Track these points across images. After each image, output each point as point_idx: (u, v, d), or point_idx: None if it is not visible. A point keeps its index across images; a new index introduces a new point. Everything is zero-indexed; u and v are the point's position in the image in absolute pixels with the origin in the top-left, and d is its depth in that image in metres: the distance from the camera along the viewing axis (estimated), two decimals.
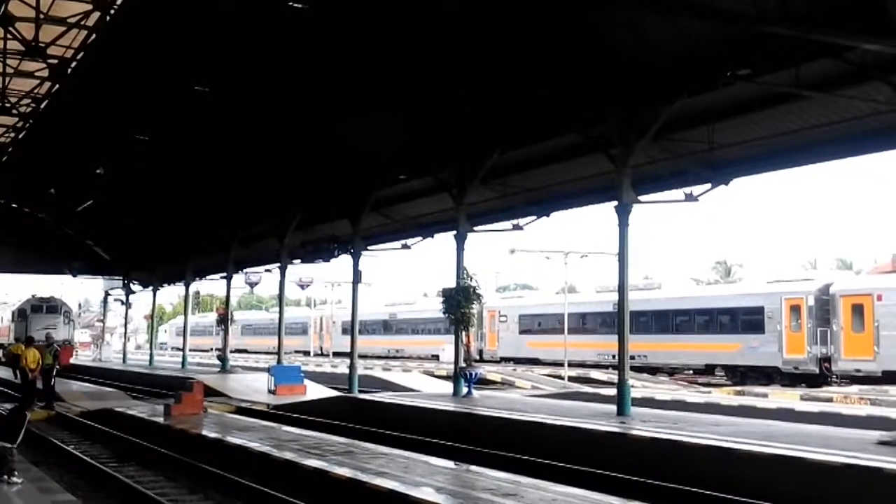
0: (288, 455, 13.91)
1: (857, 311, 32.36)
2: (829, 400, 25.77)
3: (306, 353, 64.47)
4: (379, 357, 54.23)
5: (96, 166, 30.78)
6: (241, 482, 12.82)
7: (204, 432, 17.31)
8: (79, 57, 20.87)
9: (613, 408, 19.18)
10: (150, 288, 51.81)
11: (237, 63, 20.34)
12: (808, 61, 14.63)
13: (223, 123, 24.69)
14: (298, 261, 34.41)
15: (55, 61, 20.77)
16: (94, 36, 19.76)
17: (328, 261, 31.83)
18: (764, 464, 12.87)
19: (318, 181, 28.44)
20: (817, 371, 33.52)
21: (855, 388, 29.39)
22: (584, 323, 43.34)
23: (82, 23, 19.03)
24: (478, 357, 43.76)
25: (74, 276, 51.11)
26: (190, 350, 47.86)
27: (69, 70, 21.39)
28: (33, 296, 52.22)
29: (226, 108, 23.28)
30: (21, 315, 50.79)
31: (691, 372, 39.91)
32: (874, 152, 17.69)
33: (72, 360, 44.38)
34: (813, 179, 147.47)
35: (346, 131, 24.14)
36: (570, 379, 36.21)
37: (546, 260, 44.10)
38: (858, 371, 32.23)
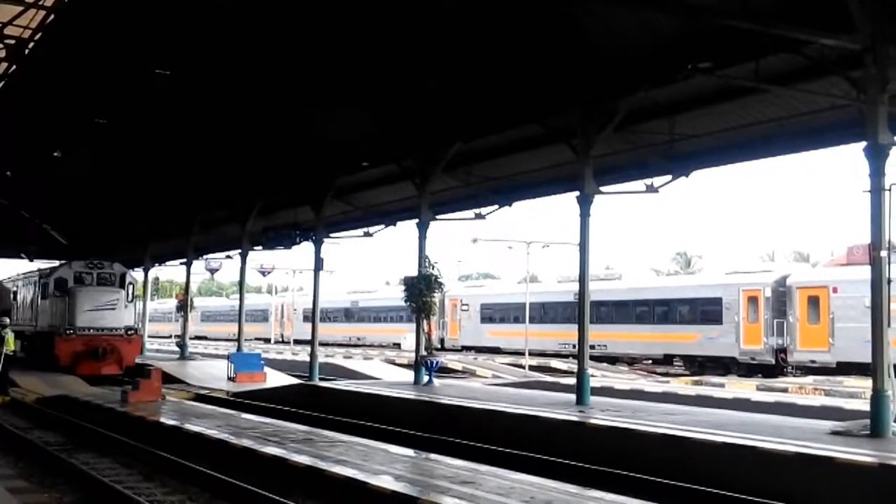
0: (246, 442, 13.83)
1: (813, 303, 32.84)
2: (785, 390, 26.14)
3: (267, 341, 64.10)
4: (340, 345, 54.11)
5: (54, 149, 30.30)
6: (198, 469, 12.73)
7: (161, 419, 17.16)
8: (36, 38, 20.50)
9: (573, 397, 19.32)
10: None
11: (199, 46, 20.11)
12: (767, 55, 14.79)
13: (184, 107, 24.42)
14: (260, 247, 34.19)
15: (12, 42, 20.38)
16: (52, 17, 19.42)
17: (290, 248, 31.71)
18: (718, 452, 13.04)
19: (281, 167, 28.26)
20: (773, 362, 34.00)
21: (810, 379, 29.84)
22: (545, 313, 43.54)
23: (40, 3, 18.68)
24: (439, 346, 43.84)
25: (31, 260, 50.30)
26: (149, 336, 47.36)
27: (26, 51, 21.01)
28: (73, 260, 33.18)
29: (187, 92, 23.02)
30: (59, 288, 31.24)
31: (650, 362, 40.28)
32: (832, 146, 17.95)
33: (138, 359, 30.51)
34: (771, 172, 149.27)
35: (309, 118, 24.01)
36: (531, 368, 36.37)
37: (508, 249, 44.23)
38: (813, 362, 32.73)
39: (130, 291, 32.42)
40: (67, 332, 29.20)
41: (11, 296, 37.33)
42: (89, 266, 31.94)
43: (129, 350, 29.92)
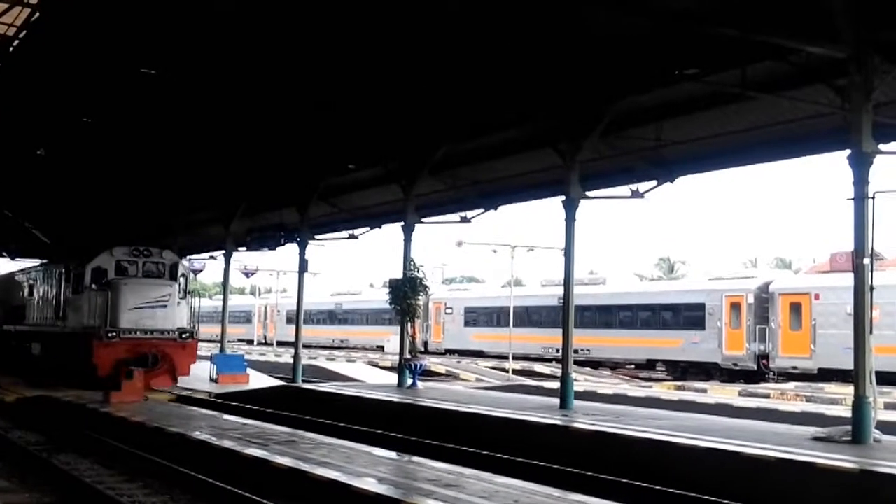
0: (229, 444, 13.77)
1: (795, 309, 33.05)
2: (767, 396, 26.28)
3: (250, 342, 63.92)
4: (324, 347, 53.98)
5: (37, 147, 30.09)
6: (180, 471, 12.67)
7: (144, 420, 17.05)
8: (21, 35, 20.37)
9: (556, 401, 19.34)
10: None
11: (185, 46, 20.01)
12: (754, 62, 14.86)
13: (169, 107, 24.28)
14: (244, 248, 34.06)
15: None
16: (37, 14, 19.30)
17: (274, 249, 31.59)
18: (700, 457, 13.09)
19: (266, 168, 28.17)
20: (755, 368, 34.17)
21: (791, 385, 30.00)
22: (529, 317, 43.60)
23: (25, 0, 18.56)
24: (423, 349, 43.79)
25: (12, 258, 49.93)
26: None
27: (11, 48, 20.87)
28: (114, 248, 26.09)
29: (172, 92, 22.89)
30: (98, 280, 24.91)
31: (633, 367, 40.40)
32: (816, 154, 18.06)
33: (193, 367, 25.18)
34: (755, 179, 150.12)
35: (295, 119, 23.93)
36: (515, 372, 36.42)
37: (493, 253, 44.26)
38: (795, 368, 32.93)
39: (184, 284, 26.26)
40: (109, 335, 23.33)
41: (26, 290, 31.32)
42: (134, 253, 25.71)
43: (182, 358, 24.22)
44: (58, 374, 24.53)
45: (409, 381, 24.27)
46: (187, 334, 24.65)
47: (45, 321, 27.98)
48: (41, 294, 29.31)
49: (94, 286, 24.58)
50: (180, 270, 26.37)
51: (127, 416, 17.52)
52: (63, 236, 46.90)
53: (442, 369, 36.21)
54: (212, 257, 40.99)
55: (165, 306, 24.50)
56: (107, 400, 19.91)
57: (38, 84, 23.65)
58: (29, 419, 19.54)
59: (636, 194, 20.26)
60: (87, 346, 23.31)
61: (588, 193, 19.51)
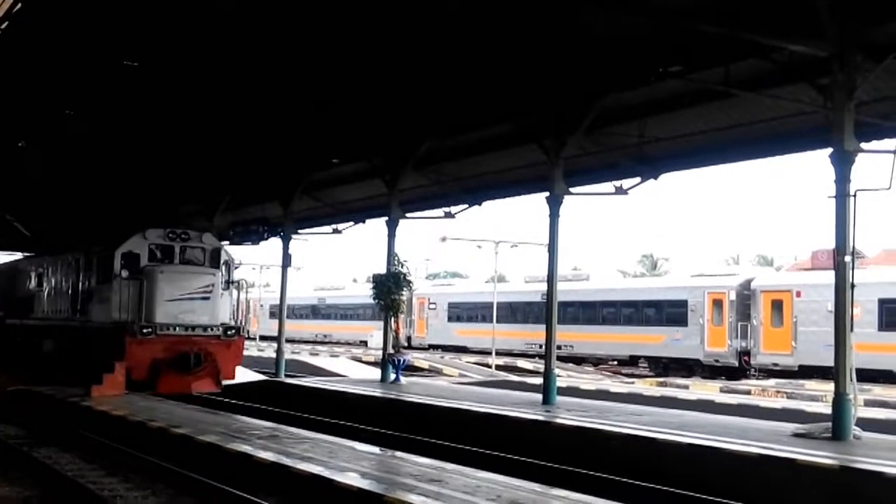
0: (211, 438, 13.73)
1: (777, 306, 33.25)
2: (748, 392, 26.44)
3: None
4: (307, 342, 53.90)
5: (18, 139, 29.85)
6: (161, 465, 12.64)
7: (125, 414, 16.98)
8: (2, 26, 20.19)
9: (539, 396, 19.41)
10: None
11: (168, 39, 19.89)
12: (737, 60, 14.92)
13: (152, 100, 24.14)
14: (227, 242, 33.88)
15: None
16: (19, 5, 19.14)
17: (257, 243, 31.45)
18: (683, 453, 13.16)
19: (250, 162, 28.05)
20: (737, 364, 34.38)
21: (772, 382, 30.20)
22: (512, 312, 43.67)
23: None
24: (406, 344, 43.82)
25: None
26: None
27: None
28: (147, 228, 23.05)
29: (155, 85, 22.75)
30: (130, 267, 21.73)
31: (616, 363, 40.54)
32: (799, 152, 18.15)
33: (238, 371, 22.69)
34: (737, 176, 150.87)
35: (278, 113, 23.84)
36: (498, 367, 36.49)
37: (477, 249, 44.37)
38: (776, 365, 33.15)
39: (227, 273, 23.06)
40: (144, 330, 20.51)
41: (33, 280, 28.37)
42: (170, 236, 22.50)
43: (227, 358, 21.40)
44: (76, 375, 21.48)
45: (393, 377, 24.28)
46: (233, 331, 21.89)
47: (59, 315, 25.30)
48: (53, 284, 26.38)
49: (124, 275, 21.36)
50: (223, 257, 23.25)
51: (108, 410, 17.44)
52: (45, 229, 46.56)
53: (425, 364, 36.22)
54: None
55: (208, 298, 21.59)
56: (88, 393, 19.78)
57: (19, 75, 23.46)
58: (9, 413, 19.41)
59: (620, 191, 20.33)
60: (118, 344, 20.49)
61: (572, 190, 19.55)
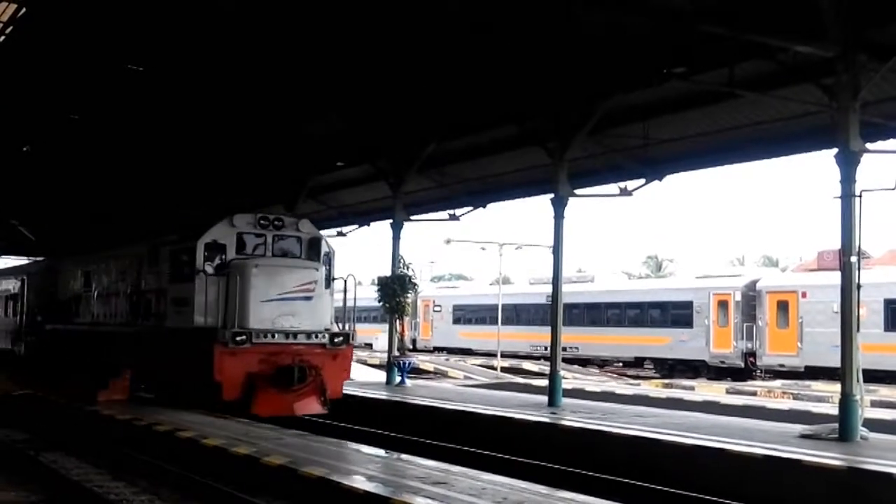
0: (217, 442, 13.72)
1: (783, 307, 33.18)
2: (754, 394, 26.38)
3: None
4: None
5: (23, 144, 29.92)
6: (167, 469, 12.63)
7: (131, 418, 16.97)
8: (7, 31, 20.25)
9: (545, 398, 19.37)
10: None
11: (172, 43, 19.93)
12: (742, 61, 14.91)
13: (157, 105, 24.20)
14: None
15: None
16: (23, 10, 19.19)
17: None
18: (688, 454, 13.13)
19: (254, 166, 28.10)
20: (743, 365, 34.31)
21: (778, 383, 30.14)
22: (517, 314, 43.64)
23: None
24: (411, 346, 43.79)
25: None
26: None
27: None
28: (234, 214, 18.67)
29: (160, 89, 22.81)
30: (215, 259, 18.05)
31: (621, 364, 40.49)
32: (804, 152, 18.14)
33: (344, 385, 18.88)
34: (742, 177, 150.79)
35: (283, 116, 23.88)
36: (503, 370, 36.43)
37: (481, 251, 44.43)
38: (782, 366, 33.08)
39: (328, 266, 19.34)
40: (237, 338, 16.92)
41: (78, 281, 25.11)
42: (261, 223, 18.61)
43: (334, 372, 17.91)
44: (145, 391, 19.34)
45: (398, 379, 24.28)
46: (341, 338, 18.20)
47: (113, 319, 21.97)
48: (106, 284, 22.85)
49: (207, 270, 17.85)
50: (323, 248, 19.40)
51: (114, 414, 17.40)
52: (49, 234, 46.66)
53: (430, 367, 36.19)
54: None
55: (310, 298, 17.94)
56: (94, 398, 19.75)
57: (24, 80, 23.52)
58: (14, 416, 19.42)
59: (624, 192, 20.31)
60: (204, 356, 16.92)
61: (576, 191, 19.54)
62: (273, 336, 17.30)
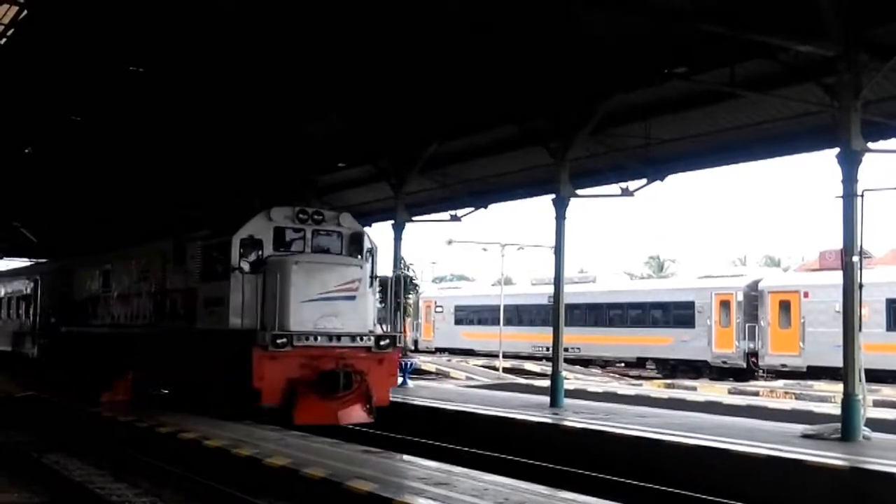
0: (220, 443, 13.72)
1: (785, 307, 33.15)
2: (756, 394, 26.35)
3: None
4: None
5: (25, 145, 29.94)
6: (170, 470, 12.64)
7: (133, 419, 16.98)
8: (9, 33, 20.28)
9: (547, 399, 19.36)
10: None
11: (174, 44, 19.96)
12: (743, 61, 14.91)
13: (158, 106, 24.22)
14: None
15: None
16: (24, 12, 19.22)
17: None
18: (691, 455, 13.12)
19: (255, 167, 28.11)
20: (745, 365, 34.25)
21: (780, 383, 30.10)
22: (519, 315, 43.60)
23: None
24: (413, 347, 43.79)
25: (0, 257, 49.67)
26: None
27: None
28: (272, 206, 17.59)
29: (161, 90, 22.84)
30: (251, 256, 16.94)
31: (623, 365, 40.45)
32: (805, 152, 18.15)
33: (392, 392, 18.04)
34: (744, 176, 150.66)
35: (285, 117, 23.90)
36: (505, 370, 36.38)
37: (483, 251, 44.30)
38: (784, 366, 33.04)
39: (372, 264, 18.31)
40: (277, 341, 15.88)
41: (96, 281, 24.05)
42: (300, 216, 17.51)
43: (380, 377, 16.79)
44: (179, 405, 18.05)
45: (400, 380, 24.24)
46: (387, 340, 17.08)
47: (136, 321, 21.00)
48: (127, 284, 21.83)
49: (242, 268, 16.73)
50: (366, 244, 18.28)
51: (116, 416, 17.43)
52: (52, 235, 46.66)
53: (432, 368, 36.16)
54: None
55: (353, 297, 16.78)
56: (97, 399, 19.76)
57: (26, 82, 23.55)
58: (17, 417, 19.43)
59: (626, 192, 20.31)
60: (241, 360, 15.87)
61: (578, 192, 19.54)
62: (315, 339, 16.28)
